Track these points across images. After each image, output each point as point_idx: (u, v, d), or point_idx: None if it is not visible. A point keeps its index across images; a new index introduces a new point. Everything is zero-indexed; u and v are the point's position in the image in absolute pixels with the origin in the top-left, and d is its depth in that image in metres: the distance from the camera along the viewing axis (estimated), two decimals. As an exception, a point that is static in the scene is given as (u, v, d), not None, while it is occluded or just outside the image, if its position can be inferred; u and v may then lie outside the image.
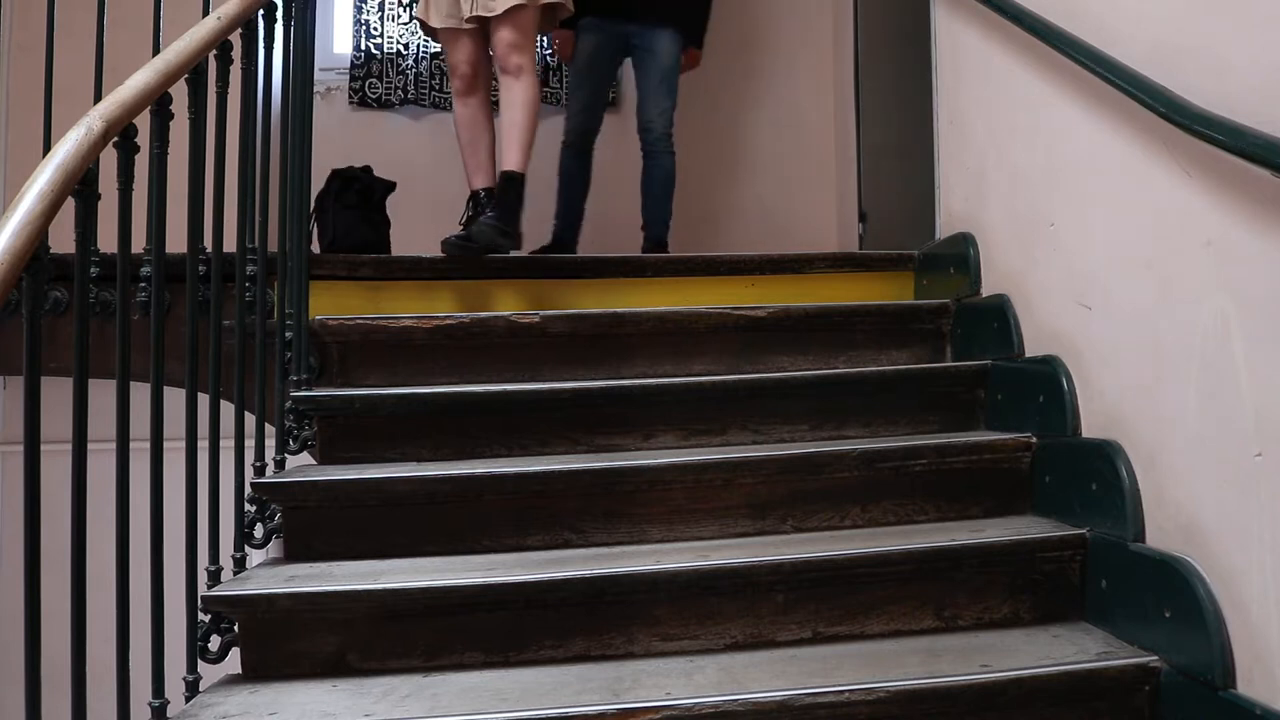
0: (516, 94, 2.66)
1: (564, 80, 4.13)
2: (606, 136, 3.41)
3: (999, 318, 2.24)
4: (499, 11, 2.62)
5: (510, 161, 2.67)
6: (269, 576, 1.81)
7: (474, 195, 2.77)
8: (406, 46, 4.12)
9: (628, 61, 3.47)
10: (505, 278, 2.54)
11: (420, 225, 3.48)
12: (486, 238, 2.52)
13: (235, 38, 1.97)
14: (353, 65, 4.13)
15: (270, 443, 2.14)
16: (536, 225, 3.71)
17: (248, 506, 2.03)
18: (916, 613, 1.81)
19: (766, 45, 4.06)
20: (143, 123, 1.61)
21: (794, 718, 1.52)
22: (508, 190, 2.67)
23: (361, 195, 2.81)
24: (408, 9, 4.15)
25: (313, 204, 2.62)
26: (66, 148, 1.39)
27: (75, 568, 1.39)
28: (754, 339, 2.40)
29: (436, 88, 4.12)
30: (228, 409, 1.95)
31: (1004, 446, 2.05)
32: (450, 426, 2.14)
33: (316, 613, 1.72)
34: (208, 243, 1.93)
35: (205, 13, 1.96)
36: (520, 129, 2.66)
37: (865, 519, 2.01)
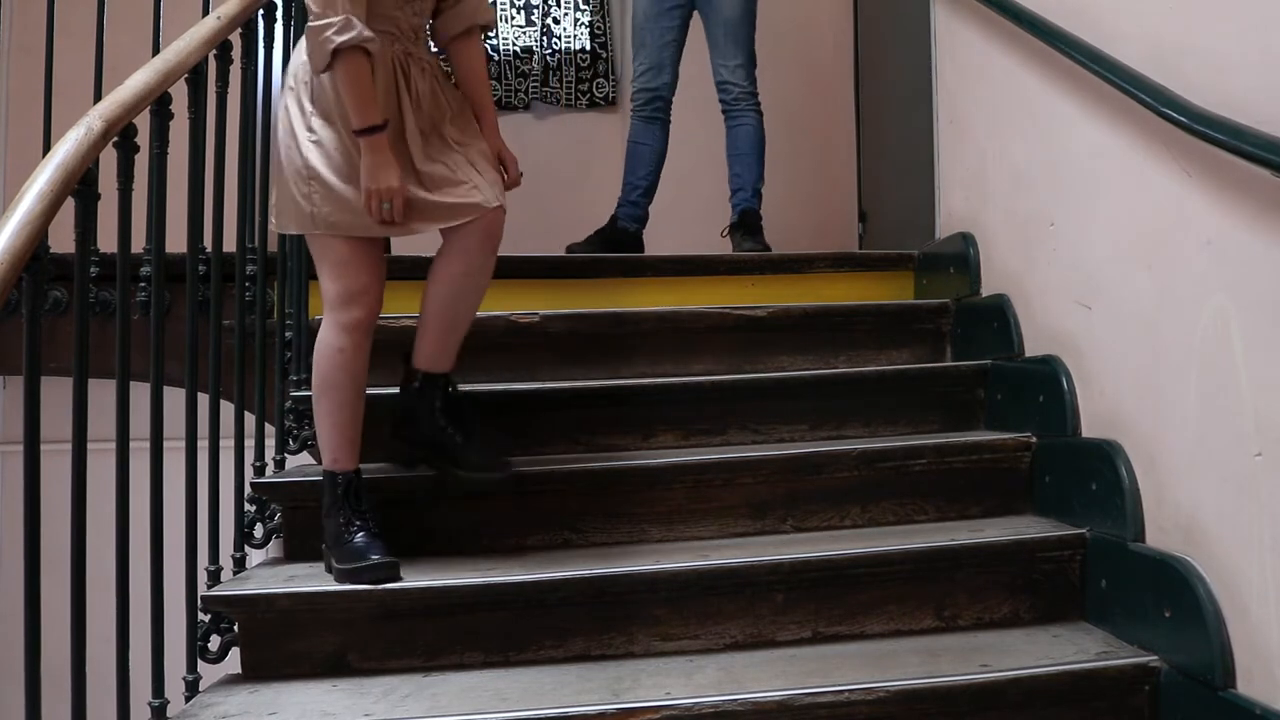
0: (486, 275, 1.90)
1: (563, 80, 4.14)
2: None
3: (999, 317, 2.24)
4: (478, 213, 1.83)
5: (449, 362, 1.92)
6: (269, 576, 1.81)
7: (350, 484, 1.81)
8: (406, 46, 4.12)
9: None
10: (505, 277, 2.53)
11: (420, 225, 3.48)
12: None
13: (235, 38, 1.98)
14: (353, 65, 4.13)
15: (270, 442, 2.15)
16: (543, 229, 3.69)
17: (248, 506, 2.04)
18: (916, 612, 1.81)
19: (765, 44, 4.06)
20: (142, 123, 1.61)
21: (794, 717, 1.52)
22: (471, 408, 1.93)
23: (361, 195, 2.81)
24: None
25: (313, 204, 2.62)
26: (66, 148, 1.39)
27: (75, 568, 1.39)
28: (754, 339, 2.40)
29: (436, 87, 4.12)
30: (227, 409, 1.95)
31: (1004, 446, 2.05)
32: (450, 426, 2.14)
33: (316, 612, 1.72)
34: (208, 242, 1.94)
35: (205, 13, 1.96)
36: (467, 321, 1.92)
37: (865, 519, 2.01)
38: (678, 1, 3.10)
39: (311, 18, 1.72)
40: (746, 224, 3.04)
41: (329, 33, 1.70)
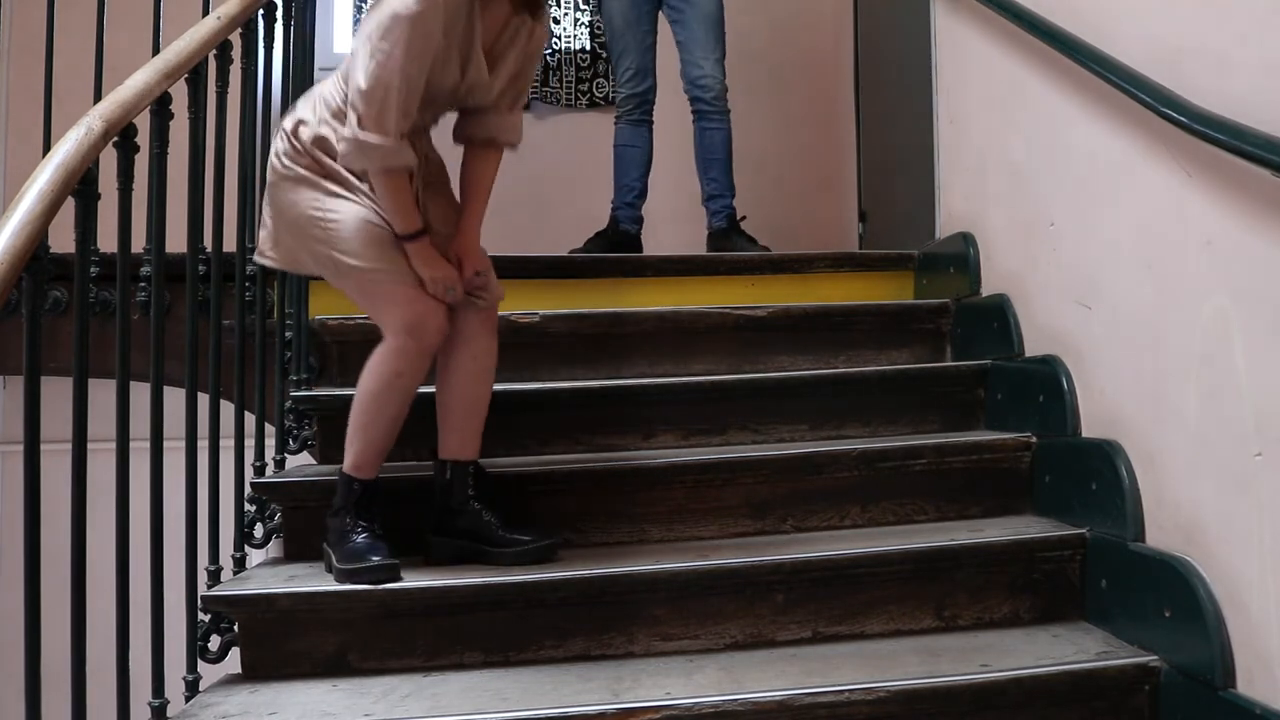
0: (492, 358, 1.91)
1: (563, 80, 4.13)
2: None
3: (999, 317, 2.24)
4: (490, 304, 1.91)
5: (475, 447, 1.89)
6: (269, 576, 1.81)
7: (366, 490, 1.80)
8: (406, 46, 4.12)
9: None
10: (505, 277, 2.54)
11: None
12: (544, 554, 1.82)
13: (235, 37, 1.98)
14: (353, 65, 4.12)
15: (270, 442, 2.15)
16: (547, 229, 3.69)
17: (248, 506, 2.04)
18: (916, 612, 1.81)
19: (765, 44, 4.06)
20: (143, 123, 1.61)
21: (794, 717, 1.52)
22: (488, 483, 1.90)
23: (361, 195, 2.81)
24: None
25: (313, 204, 2.61)
26: (66, 148, 1.39)
27: (75, 568, 1.39)
28: (754, 339, 2.40)
29: (436, 87, 4.12)
30: (227, 409, 1.95)
31: (1004, 446, 2.05)
32: (450, 426, 2.14)
33: (316, 612, 1.71)
34: (208, 242, 1.94)
35: (205, 13, 1.96)
36: (485, 407, 1.91)
37: (865, 519, 2.01)
38: (650, 5, 3.14)
39: (359, 126, 1.68)
40: (739, 229, 3.09)
41: (377, 154, 1.69)
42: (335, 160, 1.77)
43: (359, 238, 1.76)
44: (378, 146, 1.69)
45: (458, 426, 1.87)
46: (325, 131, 1.78)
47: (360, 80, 1.68)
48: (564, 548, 1.90)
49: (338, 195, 1.77)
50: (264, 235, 1.88)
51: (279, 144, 1.82)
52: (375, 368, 1.79)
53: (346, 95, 1.75)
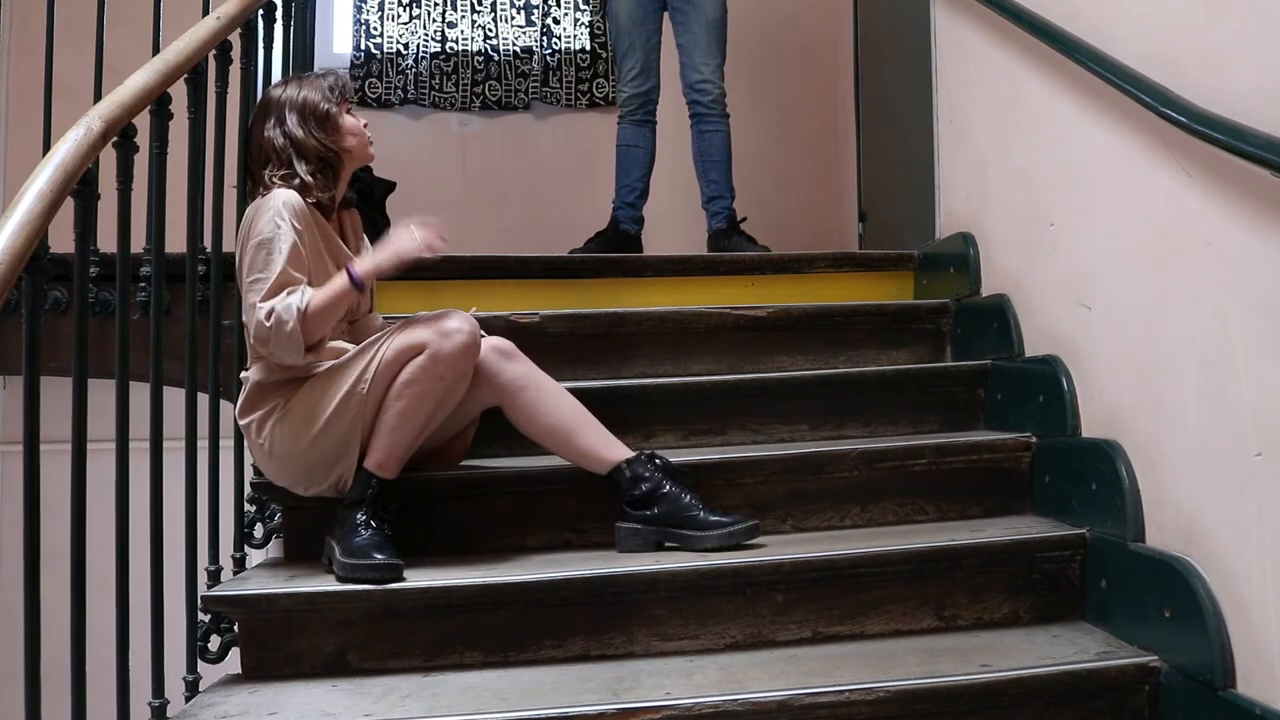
0: (543, 383, 2.00)
1: (563, 80, 4.13)
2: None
3: (999, 317, 2.24)
4: None
5: (619, 445, 1.94)
6: (269, 576, 1.81)
7: (384, 488, 1.81)
8: (406, 46, 4.12)
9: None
10: (505, 278, 2.55)
11: (420, 225, 3.47)
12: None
13: (235, 38, 1.98)
14: (352, 65, 4.12)
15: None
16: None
17: (247, 506, 2.04)
18: (916, 612, 1.80)
19: (766, 44, 4.06)
20: (142, 123, 1.61)
21: (794, 717, 1.52)
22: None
23: (361, 195, 2.81)
24: (408, 9, 4.14)
25: (313, 204, 2.61)
26: (66, 148, 1.39)
27: (75, 568, 1.39)
28: (754, 339, 2.40)
29: (436, 87, 4.12)
30: (227, 409, 1.95)
31: (1004, 446, 2.05)
32: (450, 426, 2.14)
33: (316, 612, 1.71)
34: (207, 242, 1.94)
35: (205, 13, 1.96)
36: (583, 411, 1.97)
37: (865, 519, 2.01)
38: (656, 4, 3.14)
39: (262, 331, 1.75)
40: (739, 229, 3.10)
41: (287, 330, 1.75)
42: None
43: (348, 394, 1.79)
44: (276, 322, 1.74)
45: (586, 444, 1.91)
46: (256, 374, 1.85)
47: (247, 310, 1.79)
48: (563, 549, 1.91)
49: (305, 412, 1.81)
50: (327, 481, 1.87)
51: (246, 420, 1.86)
52: (416, 371, 1.79)
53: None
